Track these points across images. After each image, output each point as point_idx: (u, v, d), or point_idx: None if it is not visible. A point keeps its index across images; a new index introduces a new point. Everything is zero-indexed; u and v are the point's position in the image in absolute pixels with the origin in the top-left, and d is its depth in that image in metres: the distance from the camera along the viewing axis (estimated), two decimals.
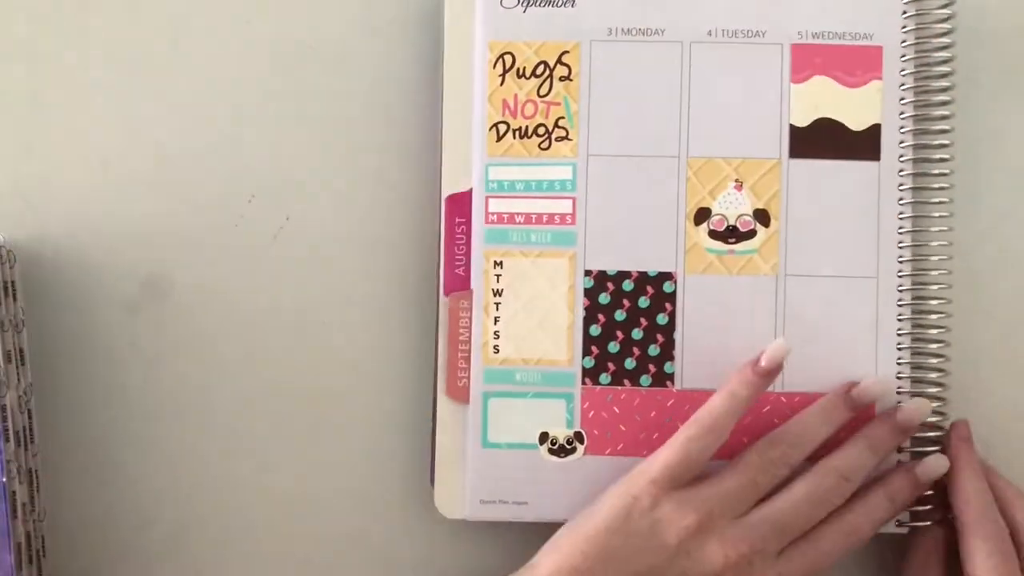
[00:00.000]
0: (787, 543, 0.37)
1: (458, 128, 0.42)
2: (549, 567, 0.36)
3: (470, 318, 0.42)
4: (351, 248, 0.43)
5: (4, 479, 0.36)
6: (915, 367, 0.41)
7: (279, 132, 0.43)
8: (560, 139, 0.42)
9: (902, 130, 0.41)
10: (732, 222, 0.41)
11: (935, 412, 0.40)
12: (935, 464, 0.39)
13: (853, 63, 0.41)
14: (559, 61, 0.42)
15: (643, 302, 0.41)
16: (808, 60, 0.41)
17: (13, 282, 0.41)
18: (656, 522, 0.36)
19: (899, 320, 0.41)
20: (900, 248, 0.41)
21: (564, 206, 0.42)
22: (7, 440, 0.37)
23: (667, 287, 0.41)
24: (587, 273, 0.41)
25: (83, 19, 0.43)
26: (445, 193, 0.42)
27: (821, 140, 0.41)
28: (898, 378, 0.41)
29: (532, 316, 0.41)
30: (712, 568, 0.36)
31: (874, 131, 0.41)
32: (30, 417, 0.41)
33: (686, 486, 0.37)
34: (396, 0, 0.43)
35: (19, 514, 0.39)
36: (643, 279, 0.41)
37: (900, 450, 0.41)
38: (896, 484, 0.39)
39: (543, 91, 0.42)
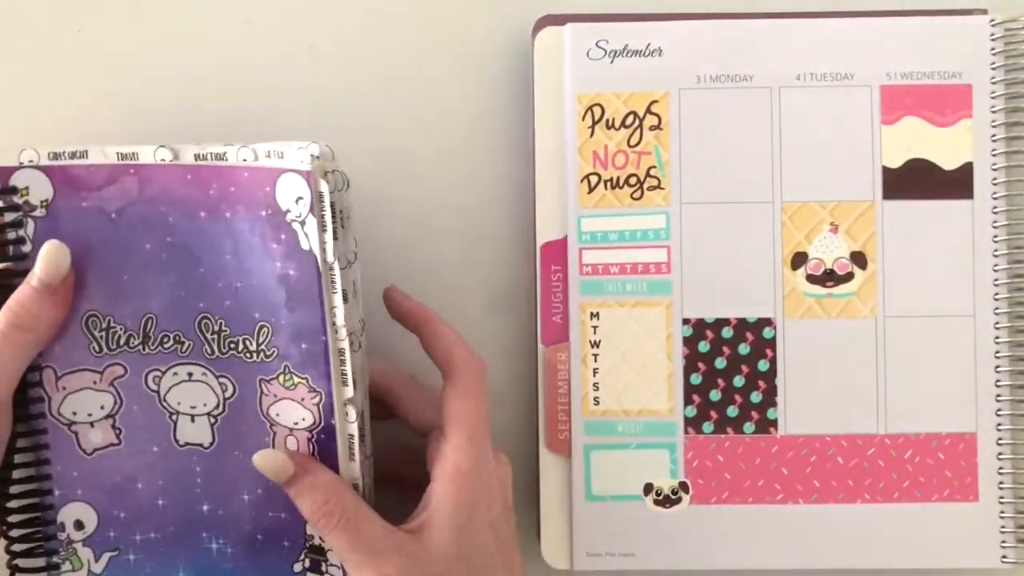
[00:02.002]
0: None
1: (550, 179, 0.42)
2: None
3: (568, 370, 0.42)
4: (449, 294, 0.43)
5: (335, 421, 0.35)
6: (1015, 403, 0.41)
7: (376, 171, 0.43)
8: (652, 188, 0.42)
9: (994, 167, 0.41)
10: (829, 265, 0.41)
11: None
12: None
13: (943, 102, 0.41)
14: (648, 111, 0.42)
15: (743, 349, 0.41)
16: (898, 101, 0.41)
17: (345, 209, 0.35)
18: None
19: (997, 357, 0.41)
20: (996, 285, 0.41)
21: (659, 255, 0.42)
22: (345, 384, 0.35)
23: (767, 333, 0.41)
24: (685, 321, 0.41)
25: None
26: (540, 241, 0.42)
27: (914, 181, 0.41)
28: (997, 415, 0.41)
29: (631, 366, 0.41)
30: None
31: (966, 170, 0.41)
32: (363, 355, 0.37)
33: None
34: (488, 46, 0.43)
35: (355, 455, 0.36)
36: (742, 326, 0.41)
37: None
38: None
39: (633, 141, 0.42)
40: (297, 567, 0.37)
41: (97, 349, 0.36)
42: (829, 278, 0.41)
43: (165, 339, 0.36)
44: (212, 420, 0.37)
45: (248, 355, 0.36)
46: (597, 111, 0.42)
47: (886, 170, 0.41)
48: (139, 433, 0.37)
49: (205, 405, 0.37)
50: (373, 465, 0.37)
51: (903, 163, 0.41)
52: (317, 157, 0.34)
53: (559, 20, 0.42)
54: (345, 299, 0.34)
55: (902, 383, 0.41)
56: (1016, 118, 0.41)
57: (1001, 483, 0.41)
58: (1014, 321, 0.41)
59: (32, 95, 0.43)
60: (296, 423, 0.35)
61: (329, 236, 0.33)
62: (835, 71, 0.41)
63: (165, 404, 0.37)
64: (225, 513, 0.37)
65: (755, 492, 0.41)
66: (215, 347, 0.36)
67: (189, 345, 0.36)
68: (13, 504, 0.37)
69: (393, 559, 0.33)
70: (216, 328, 0.36)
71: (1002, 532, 0.41)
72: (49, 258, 0.34)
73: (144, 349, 0.36)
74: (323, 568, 0.37)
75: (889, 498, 0.41)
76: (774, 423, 0.41)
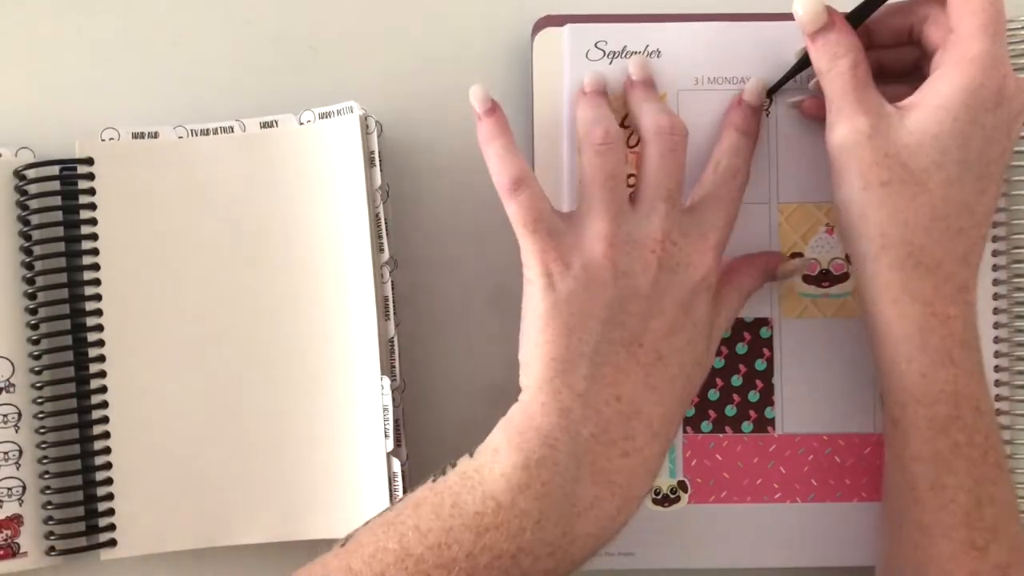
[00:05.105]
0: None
1: (550, 179, 0.42)
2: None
3: None
4: (451, 292, 0.44)
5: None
6: (1014, 403, 0.41)
7: None
8: None
9: None
10: (825, 266, 0.41)
11: None
12: (753, 85, 0.41)
13: None
14: None
15: (741, 348, 0.41)
16: None
17: (380, 152, 0.41)
18: None
19: (996, 357, 0.41)
20: (996, 285, 0.41)
21: None
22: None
23: (764, 333, 0.41)
24: None
25: None
26: None
27: None
28: (998, 399, 0.41)
29: None
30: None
31: None
32: (393, 288, 0.41)
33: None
34: (488, 46, 0.44)
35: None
36: (739, 325, 0.41)
37: None
38: (733, 116, 0.40)
39: (631, 142, 0.42)
40: None
41: None
42: (825, 278, 0.41)
43: None
44: None
45: None
46: None
47: None
48: None
49: None
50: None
51: None
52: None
53: (558, 21, 0.42)
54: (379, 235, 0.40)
55: None
56: None
57: None
58: (1014, 321, 0.41)
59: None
60: None
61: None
62: None
63: None
64: None
65: (753, 491, 0.41)
66: None
67: None
68: None
69: (870, 115, 0.34)
70: None
71: None
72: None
73: None
74: None
75: None
76: (772, 422, 0.41)
